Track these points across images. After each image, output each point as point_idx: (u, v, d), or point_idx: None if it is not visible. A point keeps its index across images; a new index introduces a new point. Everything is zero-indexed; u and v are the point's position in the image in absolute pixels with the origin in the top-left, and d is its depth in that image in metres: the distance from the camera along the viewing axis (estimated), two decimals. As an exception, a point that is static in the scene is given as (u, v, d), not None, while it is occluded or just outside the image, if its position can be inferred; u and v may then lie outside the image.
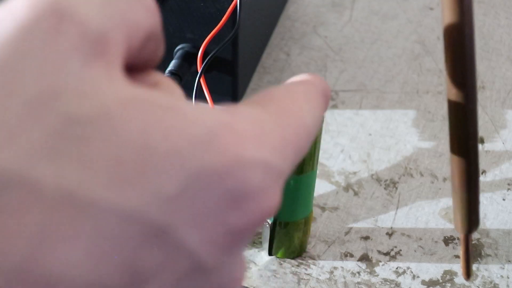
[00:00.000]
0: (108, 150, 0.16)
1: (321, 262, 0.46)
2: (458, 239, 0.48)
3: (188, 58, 0.50)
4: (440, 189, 0.51)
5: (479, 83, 0.58)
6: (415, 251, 0.47)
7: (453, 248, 0.47)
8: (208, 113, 0.18)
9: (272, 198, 0.18)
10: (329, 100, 0.22)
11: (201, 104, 0.18)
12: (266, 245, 0.46)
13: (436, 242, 0.48)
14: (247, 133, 0.18)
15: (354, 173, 0.52)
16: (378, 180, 0.51)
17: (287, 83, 0.22)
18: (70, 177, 0.15)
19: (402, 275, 0.46)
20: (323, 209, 0.49)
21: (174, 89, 0.20)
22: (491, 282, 0.46)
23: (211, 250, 0.18)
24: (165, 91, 0.20)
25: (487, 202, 0.50)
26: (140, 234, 0.16)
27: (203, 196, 0.17)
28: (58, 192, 0.15)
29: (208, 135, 0.17)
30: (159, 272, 0.17)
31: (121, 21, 0.18)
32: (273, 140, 0.19)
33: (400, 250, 0.47)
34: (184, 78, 0.49)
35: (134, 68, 0.19)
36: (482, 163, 0.53)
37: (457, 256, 0.47)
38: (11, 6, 0.17)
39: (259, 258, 0.46)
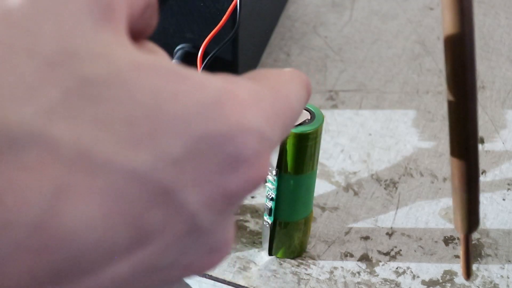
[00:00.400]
0: (121, 111, 0.16)
1: (321, 262, 0.46)
2: (458, 239, 0.48)
3: (188, 58, 0.50)
4: (440, 189, 0.51)
5: (479, 83, 0.58)
6: (415, 251, 0.47)
7: (453, 248, 0.47)
8: (212, 80, 0.18)
9: (265, 166, 0.19)
10: (310, 93, 0.24)
11: (203, 72, 0.19)
12: (266, 245, 0.46)
13: (436, 242, 0.48)
14: (247, 101, 0.19)
15: (354, 173, 0.52)
16: (378, 180, 0.51)
17: (276, 69, 0.24)
18: (86, 136, 0.16)
19: (402, 275, 0.46)
20: (323, 209, 0.49)
21: (168, 58, 0.20)
22: (491, 282, 0.46)
23: (208, 212, 0.18)
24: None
25: (487, 202, 0.50)
26: (147, 194, 0.17)
27: (206, 159, 0.18)
28: (75, 150, 0.16)
29: (213, 100, 0.18)
30: (161, 231, 0.17)
31: None
32: (267, 111, 0.20)
33: (400, 250, 0.47)
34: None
35: (131, 35, 0.20)
36: (482, 163, 0.53)
37: (457, 256, 0.47)
38: None
39: (259, 258, 0.46)
